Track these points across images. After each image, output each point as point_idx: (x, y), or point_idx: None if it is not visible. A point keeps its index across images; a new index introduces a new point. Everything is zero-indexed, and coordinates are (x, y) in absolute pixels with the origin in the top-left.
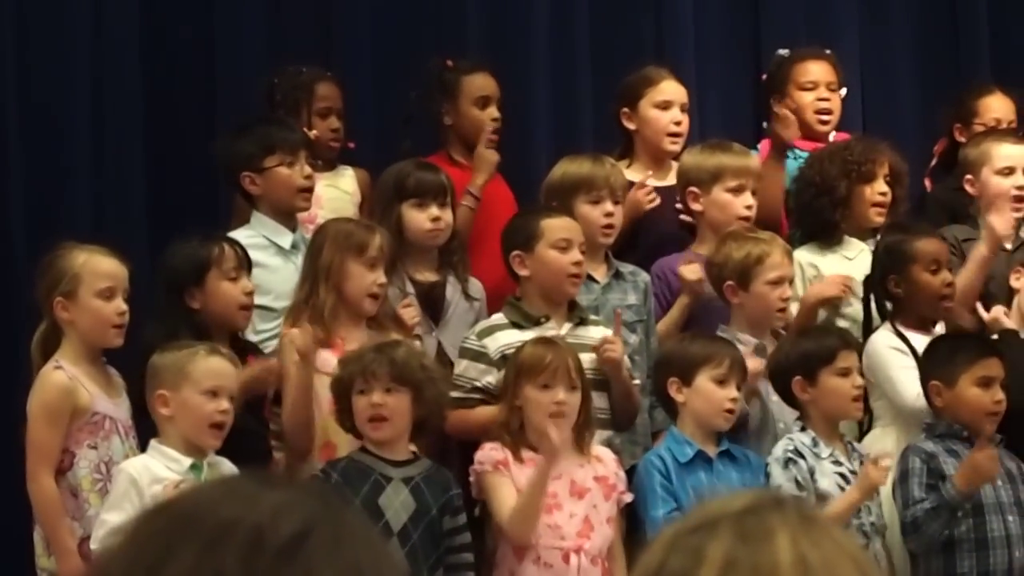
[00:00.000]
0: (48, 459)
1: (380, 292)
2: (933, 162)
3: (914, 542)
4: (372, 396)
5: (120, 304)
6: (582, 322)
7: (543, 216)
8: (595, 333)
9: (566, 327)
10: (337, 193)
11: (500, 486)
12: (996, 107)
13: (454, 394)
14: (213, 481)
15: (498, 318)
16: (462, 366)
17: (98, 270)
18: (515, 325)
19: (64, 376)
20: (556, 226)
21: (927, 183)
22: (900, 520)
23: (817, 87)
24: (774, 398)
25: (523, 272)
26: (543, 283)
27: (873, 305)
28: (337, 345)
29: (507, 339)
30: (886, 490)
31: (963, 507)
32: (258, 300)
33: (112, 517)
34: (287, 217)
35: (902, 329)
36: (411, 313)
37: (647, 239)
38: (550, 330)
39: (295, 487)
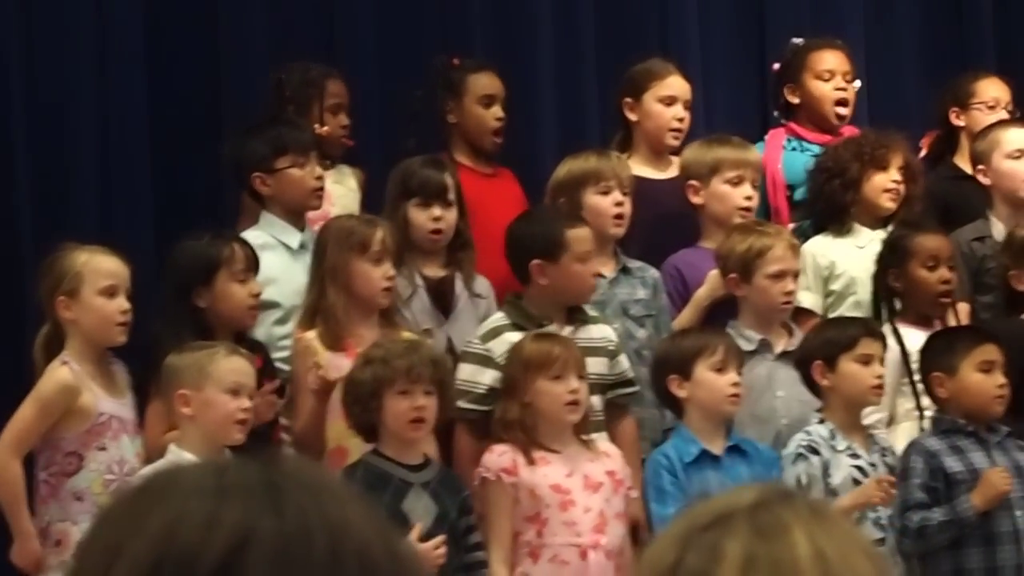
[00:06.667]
0: (23, 444)
1: (391, 284)
2: (922, 154)
3: (912, 547)
4: (416, 399)
5: (123, 302)
6: (582, 323)
7: (566, 226)
8: (595, 333)
9: (567, 329)
10: (344, 190)
11: (499, 511)
12: (994, 88)
13: (461, 403)
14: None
15: (499, 318)
16: (467, 371)
17: (100, 268)
18: (517, 327)
19: (69, 373)
20: (581, 238)
21: None
22: (898, 519)
23: (834, 76)
24: (780, 393)
25: (542, 280)
26: (563, 293)
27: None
28: (349, 347)
29: (511, 341)
30: None
31: (974, 523)
32: (267, 299)
33: None
34: (296, 217)
35: (902, 326)
36: None
37: (650, 231)
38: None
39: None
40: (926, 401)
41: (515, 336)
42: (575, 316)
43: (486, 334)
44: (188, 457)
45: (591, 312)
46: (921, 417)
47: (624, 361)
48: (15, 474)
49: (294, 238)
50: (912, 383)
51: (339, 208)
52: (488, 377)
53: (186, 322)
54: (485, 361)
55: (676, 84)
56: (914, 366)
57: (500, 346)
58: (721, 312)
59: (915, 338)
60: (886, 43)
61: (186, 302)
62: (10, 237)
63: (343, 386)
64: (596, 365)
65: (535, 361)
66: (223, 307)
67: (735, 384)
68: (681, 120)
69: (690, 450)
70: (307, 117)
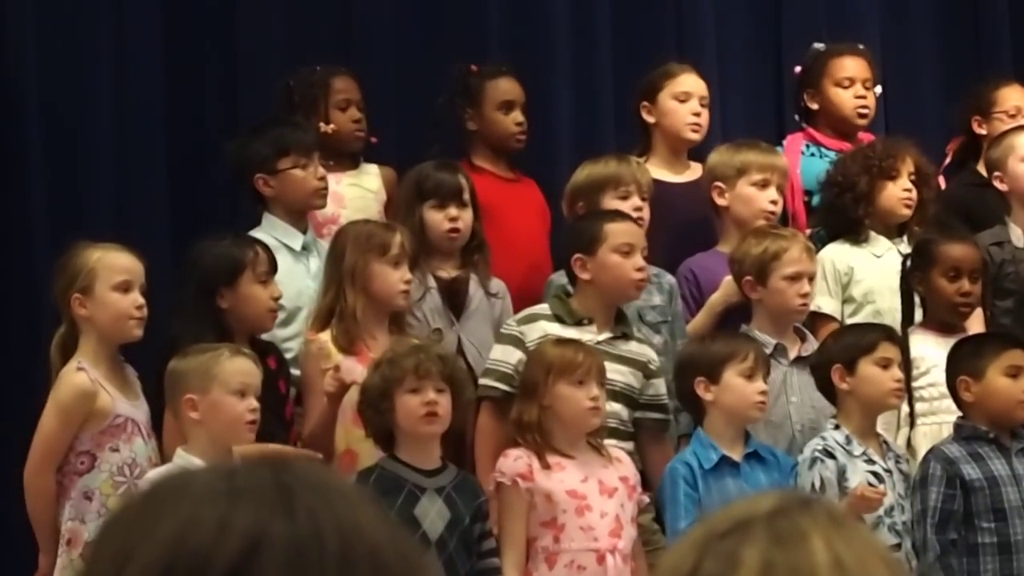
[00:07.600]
0: (53, 457)
1: (408, 288)
2: (947, 161)
3: (925, 566)
4: (427, 395)
5: (137, 297)
6: (624, 336)
7: (606, 220)
8: (635, 347)
9: (605, 335)
10: (360, 192)
11: (513, 516)
12: (1015, 96)
13: (484, 381)
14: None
15: (542, 307)
16: (499, 351)
17: (113, 264)
18: (557, 319)
19: (86, 378)
20: (619, 230)
21: (941, 181)
22: (919, 528)
23: (854, 84)
24: (793, 399)
25: (584, 276)
26: (604, 287)
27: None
28: (362, 352)
29: (546, 330)
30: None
31: None
32: None
33: None
34: (298, 218)
35: (920, 332)
36: None
37: (666, 235)
38: (588, 334)
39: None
40: (920, 407)
41: (551, 327)
42: (619, 326)
43: (523, 318)
44: (196, 462)
45: (639, 332)
46: (912, 425)
47: (661, 386)
48: (48, 488)
49: (296, 240)
50: (908, 390)
51: (352, 210)
52: (515, 358)
53: (207, 323)
54: (516, 343)
55: (690, 81)
56: (915, 372)
57: (533, 332)
58: (733, 318)
59: (933, 345)
60: (903, 48)
61: (209, 303)
62: (26, 240)
63: (359, 395)
64: (627, 375)
65: (557, 365)
66: (246, 309)
67: (762, 392)
68: (698, 115)
69: (710, 456)
70: (315, 118)
